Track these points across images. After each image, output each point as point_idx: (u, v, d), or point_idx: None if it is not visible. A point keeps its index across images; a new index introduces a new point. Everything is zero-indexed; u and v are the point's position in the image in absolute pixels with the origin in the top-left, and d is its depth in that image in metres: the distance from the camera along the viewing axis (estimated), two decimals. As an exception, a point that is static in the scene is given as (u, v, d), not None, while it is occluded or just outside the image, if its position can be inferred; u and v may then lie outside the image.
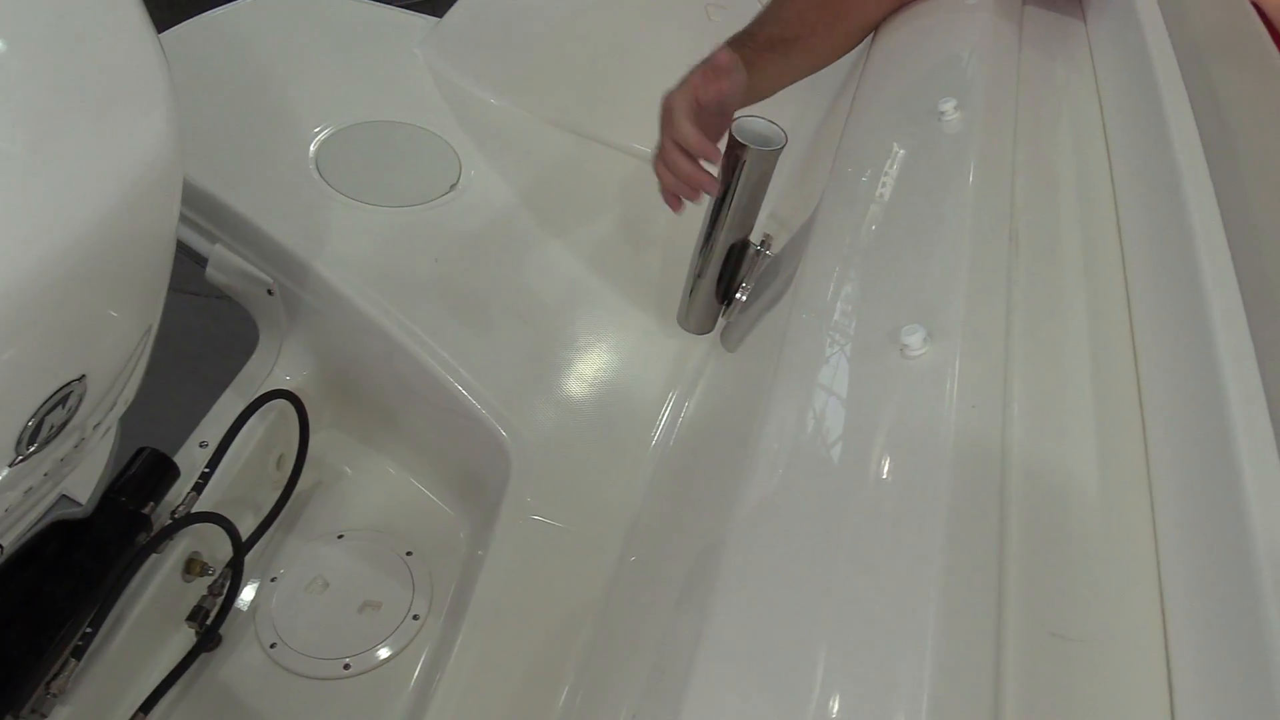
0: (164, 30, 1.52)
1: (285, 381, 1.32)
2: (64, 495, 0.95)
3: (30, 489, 0.78)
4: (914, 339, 0.60)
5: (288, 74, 1.50)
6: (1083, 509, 0.53)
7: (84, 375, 0.73)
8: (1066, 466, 0.55)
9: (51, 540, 0.98)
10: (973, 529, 0.51)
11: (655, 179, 0.96)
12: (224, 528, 1.14)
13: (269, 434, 1.29)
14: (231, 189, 1.32)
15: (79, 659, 0.99)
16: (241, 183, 1.33)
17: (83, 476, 0.97)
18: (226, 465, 1.23)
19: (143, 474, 1.11)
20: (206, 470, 1.16)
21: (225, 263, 1.33)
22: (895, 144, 0.84)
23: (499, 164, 1.47)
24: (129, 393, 0.94)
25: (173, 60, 1.49)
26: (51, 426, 0.72)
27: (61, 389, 0.70)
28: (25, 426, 0.69)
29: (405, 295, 1.27)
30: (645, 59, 1.46)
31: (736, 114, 0.94)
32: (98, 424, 0.83)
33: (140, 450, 1.13)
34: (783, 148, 0.92)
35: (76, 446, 0.81)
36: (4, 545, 0.89)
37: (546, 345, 1.27)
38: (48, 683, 0.96)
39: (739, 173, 0.94)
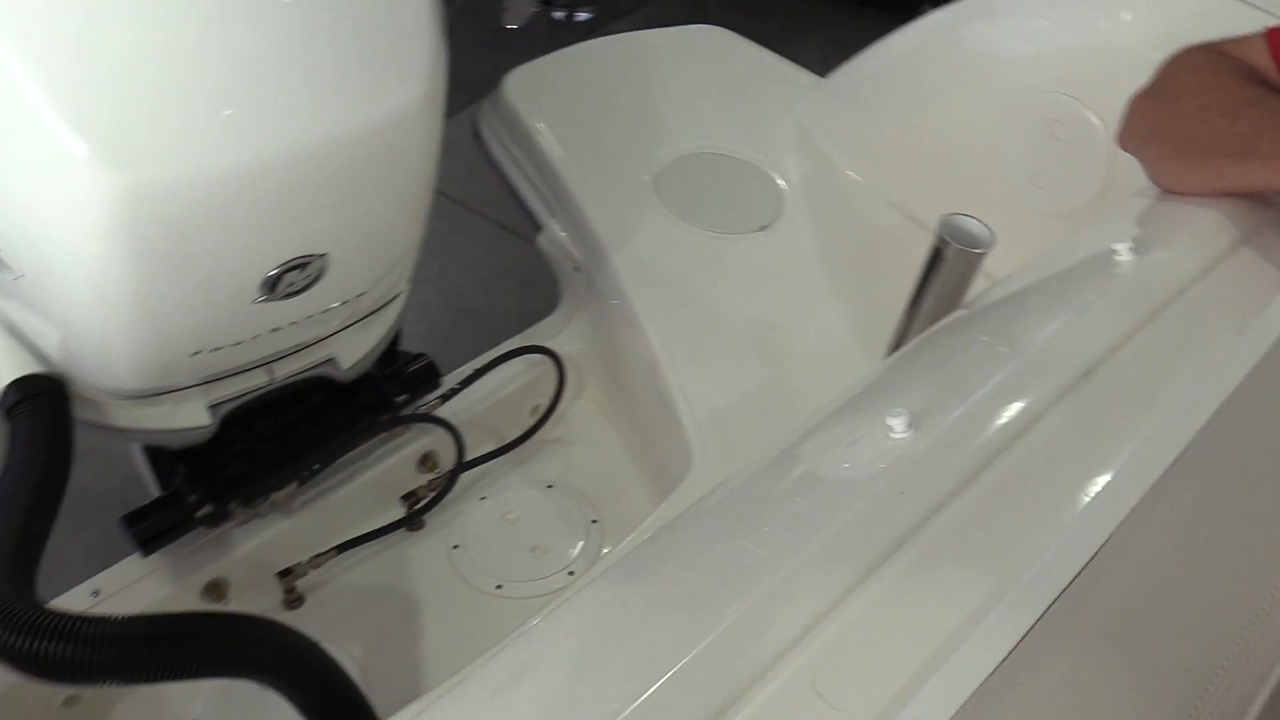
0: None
1: (564, 348, 1.52)
2: (333, 358, 1.19)
3: (279, 330, 1.02)
4: (897, 422, 0.63)
5: (669, 96, 1.71)
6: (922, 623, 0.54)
7: (326, 254, 0.95)
8: (939, 580, 0.56)
9: (319, 391, 1.24)
10: (813, 583, 0.55)
11: None
12: (453, 436, 1.35)
13: (532, 384, 1.50)
14: (578, 180, 1.54)
15: (301, 484, 1.24)
16: (589, 177, 1.55)
17: (354, 350, 1.21)
18: (487, 396, 1.45)
19: (410, 372, 1.35)
20: (457, 386, 1.38)
21: (553, 236, 1.55)
22: (1061, 261, 0.84)
23: (817, 219, 1.56)
24: (396, 300, 1.18)
25: (581, 64, 1.74)
26: (290, 284, 0.94)
27: (304, 256, 0.93)
28: (268, 275, 0.92)
29: (675, 303, 1.41)
30: (984, 160, 1.48)
31: (945, 212, 0.97)
32: (344, 303, 1.05)
33: (419, 355, 1.38)
34: (986, 251, 0.94)
35: (325, 313, 1.04)
36: (275, 376, 1.15)
37: (775, 392, 1.35)
38: (272, 493, 1.22)
39: (939, 268, 0.97)
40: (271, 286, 0.93)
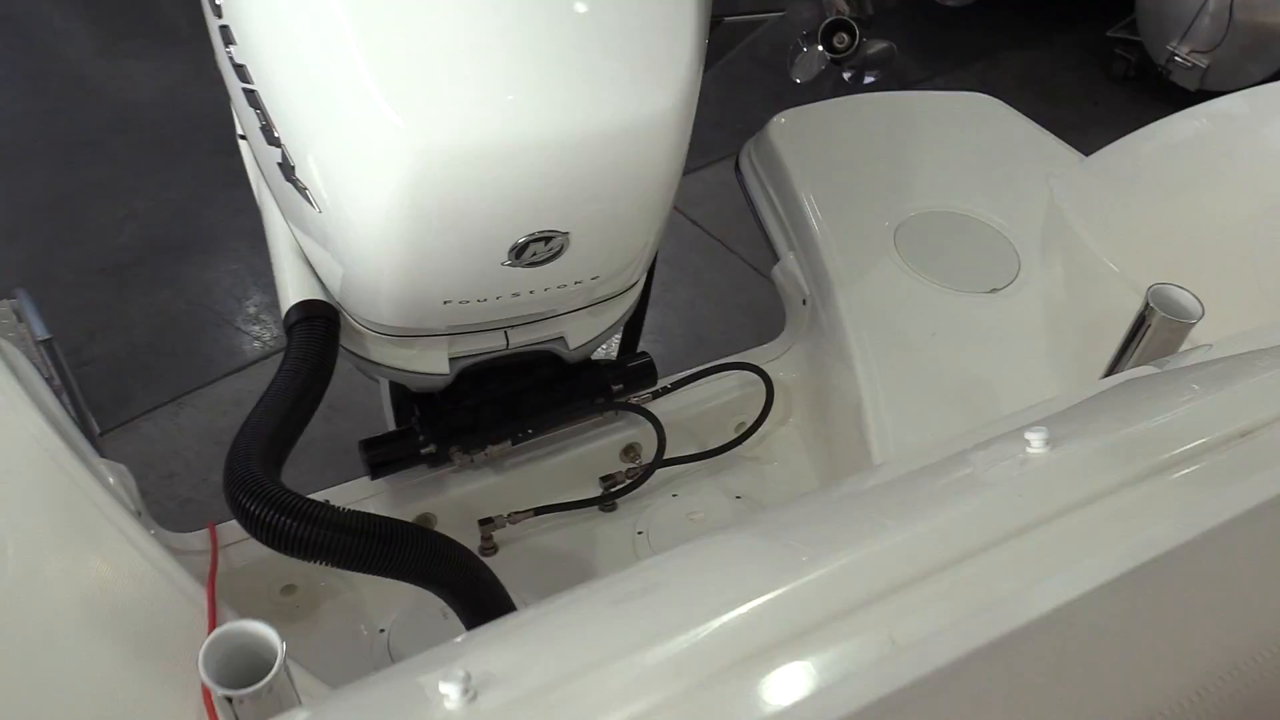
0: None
1: (778, 373, 1.59)
2: (563, 337, 1.32)
3: (519, 296, 1.15)
4: (1035, 437, 0.67)
5: (925, 153, 1.75)
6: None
7: (568, 233, 1.07)
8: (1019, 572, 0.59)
9: (546, 365, 1.37)
10: (913, 552, 0.60)
11: None
12: (657, 433, 1.45)
13: (742, 401, 1.58)
14: (821, 217, 1.61)
15: (514, 443, 1.37)
16: (831, 217, 1.62)
17: (582, 333, 1.33)
18: (697, 403, 1.54)
19: (630, 366, 1.46)
20: (667, 386, 1.48)
21: (788, 267, 1.63)
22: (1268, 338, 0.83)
23: (1052, 290, 1.56)
24: (627, 294, 1.29)
25: (847, 114, 1.82)
26: (534, 254, 1.07)
27: (549, 231, 1.05)
28: (517, 242, 1.05)
29: (891, 348, 1.45)
30: (1243, 256, 1.44)
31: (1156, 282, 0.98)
32: (579, 282, 1.17)
33: (642, 353, 1.49)
34: (1194, 323, 0.94)
35: (560, 289, 1.17)
36: (510, 343, 1.29)
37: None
38: (488, 447, 1.36)
39: (1143, 335, 0.98)
40: (518, 253, 1.06)
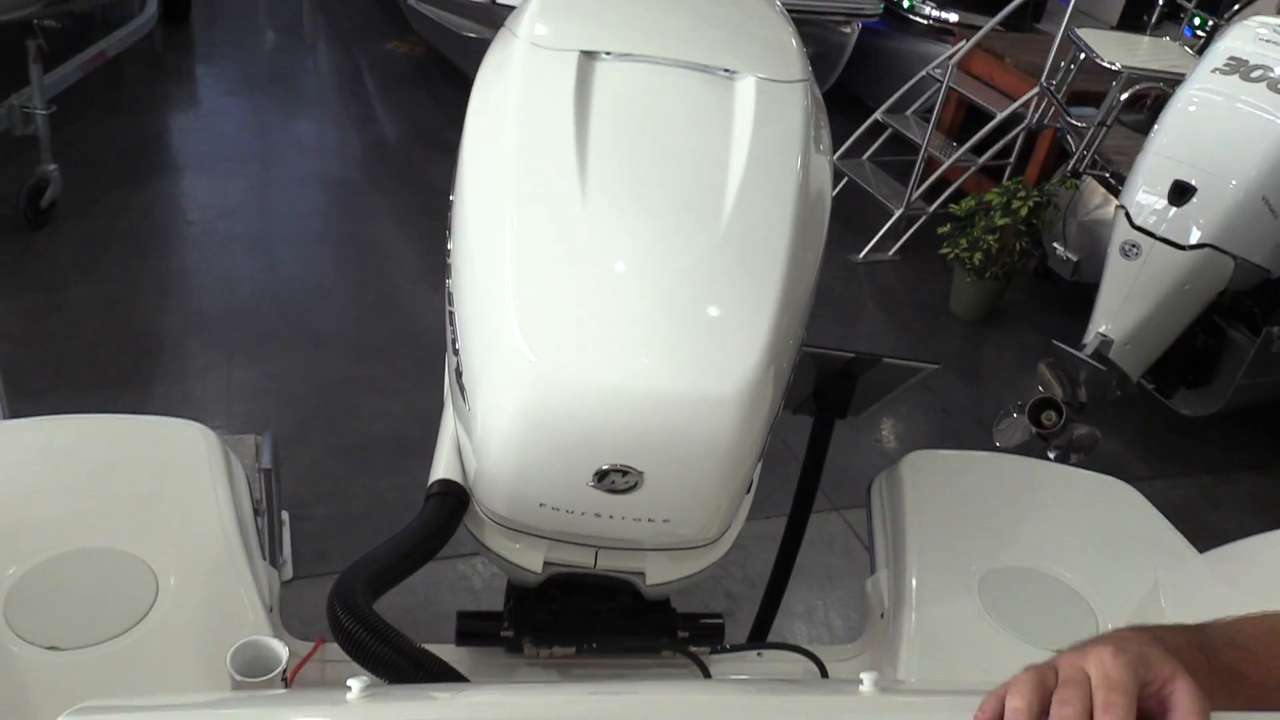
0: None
1: (838, 673, 1.70)
2: (644, 574, 1.53)
3: (600, 517, 1.38)
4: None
5: (1039, 519, 1.88)
6: None
7: (643, 473, 1.31)
8: None
9: (627, 595, 1.58)
10: None
11: None
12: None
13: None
14: (919, 550, 1.77)
15: (578, 653, 1.57)
16: (927, 551, 1.77)
17: (661, 574, 1.54)
18: (751, 674, 1.69)
19: (702, 620, 1.64)
20: (729, 647, 1.64)
21: (877, 582, 1.79)
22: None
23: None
24: (706, 550, 1.50)
25: (977, 468, 1.97)
26: (613, 482, 1.31)
27: (625, 465, 1.30)
28: (600, 467, 1.30)
29: (941, 674, 1.56)
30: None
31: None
32: (651, 520, 1.39)
33: (717, 614, 1.67)
34: None
35: (636, 521, 1.40)
36: (596, 564, 1.52)
37: None
38: (555, 647, 1.56)
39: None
40: (601, 478, 1.31)
